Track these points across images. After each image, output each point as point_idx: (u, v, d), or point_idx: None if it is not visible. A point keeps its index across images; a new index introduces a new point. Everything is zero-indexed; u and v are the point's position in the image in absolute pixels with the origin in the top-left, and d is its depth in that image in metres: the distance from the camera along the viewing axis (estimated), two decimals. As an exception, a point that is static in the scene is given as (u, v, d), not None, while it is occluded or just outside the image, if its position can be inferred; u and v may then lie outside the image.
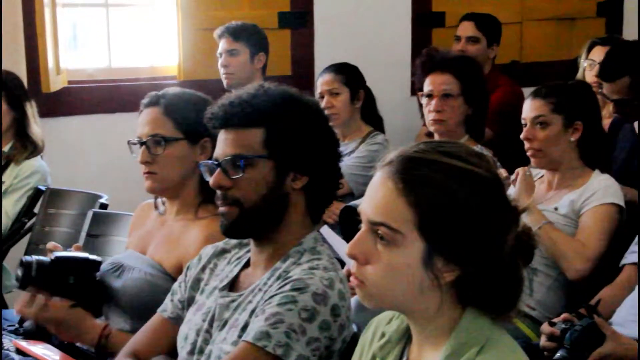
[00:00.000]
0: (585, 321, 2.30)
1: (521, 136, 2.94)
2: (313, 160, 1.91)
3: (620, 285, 2.58)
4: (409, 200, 1.36)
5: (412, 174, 1.37)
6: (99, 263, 2.40)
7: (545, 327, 2.38)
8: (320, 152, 1.93)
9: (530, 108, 2.92)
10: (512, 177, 2.92)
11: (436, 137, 3.46)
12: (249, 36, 4.14)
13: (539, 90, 2.95)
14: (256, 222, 1.90)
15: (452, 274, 1.38)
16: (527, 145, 2.94)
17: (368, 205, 1.41)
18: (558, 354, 2.28)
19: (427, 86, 3.40)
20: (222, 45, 4.16)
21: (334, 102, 3.85)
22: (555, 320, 2.38)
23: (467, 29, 4.56)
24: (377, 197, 1.39)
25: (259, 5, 4.56)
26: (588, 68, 4.20)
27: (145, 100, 2.41)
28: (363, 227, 1.42)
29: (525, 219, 2.69)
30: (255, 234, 1.93)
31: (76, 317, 2.23)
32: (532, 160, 2.99)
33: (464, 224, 1.36)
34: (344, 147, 3.81)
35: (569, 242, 2.76)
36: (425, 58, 3.54)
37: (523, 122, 2.95)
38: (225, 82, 4.13)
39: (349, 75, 3.89)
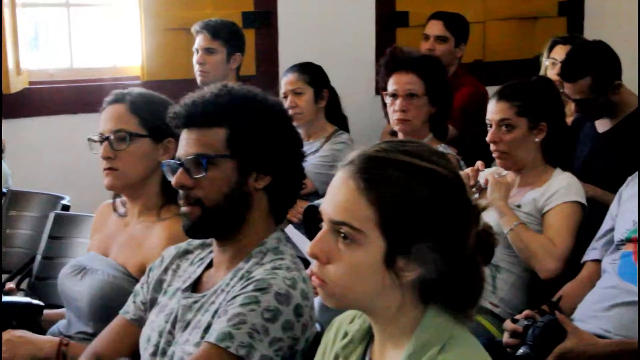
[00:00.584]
0: (547, 318, 2.32)
1: (487, 139, 2.95)
2: (276, 160, 1.91)
3: (581, 282, 2.60)
4: (370, 199, 1.36)
5: (373, 173, 1.38)
6: (41, 307, 2.39)
7: (508, 324, 2.40)
8: (283, 152, 1.93)
9: (495, 110, 2.93)
10: (482, 183, 2.93)
11: (400, 136, 3.47)
12: (228, 36, 4.10)
13: (503, 91, 2.95)
14: (218, 221, 1.89)
15: (414, 273, 1.38)
16: (493, 147, 2.95)
17: (329, 205, 1.41)
18: (520, 351, 2.30)
19: (392, 86, 3.42)
20: (200, 41, 4.11)
21: (298, 101, 3.84)
22: (517, 317, 2.39)
23: (435, 28, 4.55)
24: (339, 197, 1.40)
25: (222, 5, 4.54)
26: (550, 67, 4.24)
27: (109, 98, 2.39)
28: (324, 226, 1.42)
29: (495, 219, 2.76)
30: (218, 234, 1.93)
31: (25, 338, 2.17)
32: (498, 161, 3.00)
33: (425, 223, 1.36)
34: (308, 147, 3.82)
35: (540, 242, 2.77)
36: (389, 58, 3.55)
37: (488, 123, 2.95)
38: (199, 79, 4.09)
39: (312, 74, 3.89)
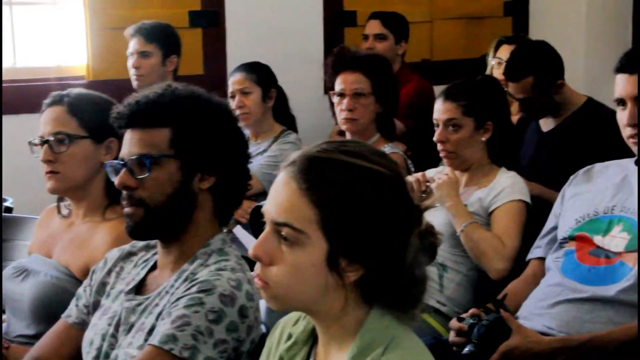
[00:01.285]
0: (492, 316, 2.33)
1: (434, 138, 2.96)
2: (220, 160, 1.90)
3: (526, 280, 2.62)
4: (312, 199, 1.36)
5: (314, 173, 1.38)
6: None
7: (454, 323, 2.41)
8: (228, 153, 1.92)
9: (441, 110, 2.94)
10: (433, 185, 2.94)
11: (348, 135, 3.48)
12: (162, 38, 4.06)
13: (449, 91, 2.96)
14: (162, 222, 1.88)
15: (357, 273, 1.38)
16: (440, 147, 2.96)
17: (272, 206, 1.40)
18: (466, 349, 2.31)
19: (339, 85, 3.42)
20: (134, 45, 4.07)
21: (246, 101, 3.83)
22: (463, 315, 2.41)
23: (373, 27, 4.61)
24: (281, 198, 1.39)
25: (169, 4, 4.51)
26: (496, 66, 4.29)
27: (47, 100, 2.36)
28: (267, 227, 1.41)
29: (445, 218, 2.77)
30: (162, 235, 1.91)
31: None
32: (445, 161, 3.02)
33: (367, 223, 1.36)
34: (257, 147, 3.81)
35: (490, 242, 2.78)
36: (336, 57, 3.56)
37: (435, 122, 2.97)
38: (135, 83, 4.05)
39: (260, 74, 3.87)
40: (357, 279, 1.39)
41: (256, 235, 2.92)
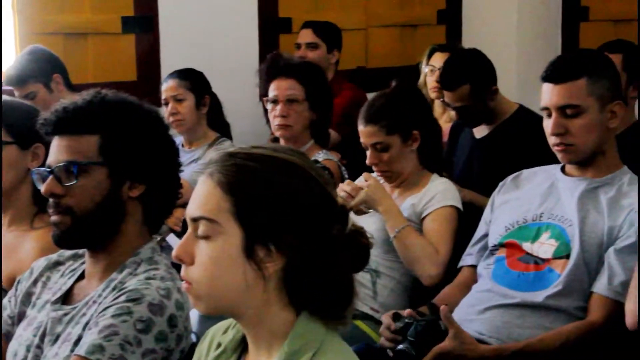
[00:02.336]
0: (429, 317, 2.35)
1: (367, 162, 2.96)
2: (150, 168, 1.87)
3: (458, 286, 2.65)
4: (225, 189, 1.38)
5: (229, 165, 1.39)
6: None
7: (386, 318, 2.43)
8: (158, 160, 1.89)
9: (365, 135, 2.92)
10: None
11: (282, 142, 3.47)
12: (41, 63, 3.88)
13: (368, 114, 2.93)
14: (90, 231, 1.84)
15: (275, 264, 1.38)
16: (374, 168, 2.96)
17: (190, 206, 1.42)
18: (401, 345, 2.32)
19: (272, 91, 3.42)
20: None
21: (179, 108, 3.80)
22: (401, 312, 2.42)
23: (305, 35, 4.64)
24: (197, 195, 1.41)
25: (100, 9, 4.43)
26: (429, 74, 4.33)
27: None
28: (189, 228, 1.42)
29: (381, 223, 2.77)
30: (89, 243, 1.88)
31: None
32: (383, 180, 3.02)
33: (279, 209, 1.37)
34: (190, 154, 3.78)
35: (425, 247, 2.79)
36: (270, 63, 3.56)
37: (363, 145, 2.97)
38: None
39: (193, 80, 3.84)
40: (280, 276, 1.39)
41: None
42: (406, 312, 2.42)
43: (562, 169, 2.56)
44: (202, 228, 1.38)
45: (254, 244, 1.37)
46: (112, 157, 1.84)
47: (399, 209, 2.86)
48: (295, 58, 3.80)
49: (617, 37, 4.13)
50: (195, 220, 1.39)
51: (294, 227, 1.37)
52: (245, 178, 1.38)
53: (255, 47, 4.81)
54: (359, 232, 1.43)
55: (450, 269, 2.76)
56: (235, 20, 4.74)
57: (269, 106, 3.45)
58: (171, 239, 3.36)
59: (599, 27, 5.35)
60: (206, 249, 1.38)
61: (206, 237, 1.38)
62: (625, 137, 3.02)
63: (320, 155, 3.42)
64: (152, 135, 1.89)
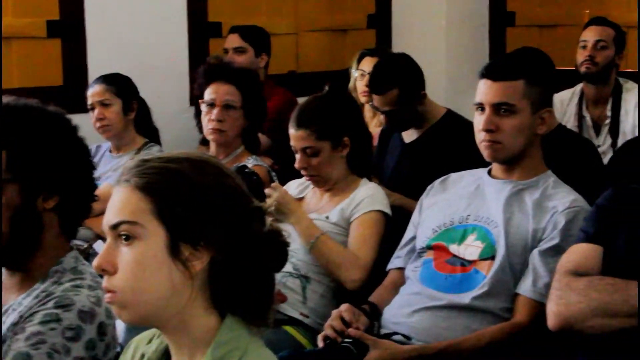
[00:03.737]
0: (349, 340, 2.37)
1: (295, 166, 2.96)
2: (62, 177, 1.80)
3: (387, 288, 2.66)
4: (144, 191, 1.36)
5: (144, 167, 1.38)
6: None
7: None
8: (70, 167, 1.82)
9: (295, 138, 2.92)
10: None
11: (213, 146, 3.45)
12: None
13: (299, 118, 2.93)
14: (7, 249, 1.77)
15: (201, 261, 1.37)
16: (303, 172, 2.97)
17: (107, 215, 1.39)
18: (347, 341, 2.34)
19: (209, 94, 3.39)
20: None
21: (106, 113, 3.74)
22: (327, 333, 2.43)
23: (232, 41, 4.61)
24: (114, 202, 1.39)
25: (25, 13, 4.33)
26: (359, 78, 4.34)
27: None
28: (108, 238, 1.39)
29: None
30: (8, 261, 1.81)
31: None
32: (312, 184, 3.03)
33: (200, 205, 1.36)
34: (118, 160, 3.73)
35: (343, 253, 2.80)
36: (210, 66, 3.54)
37: (293, 149, 2.97)
38: None
39: (120, 86, 3.79)
40: (205, 275, 1.37)
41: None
42: (349, 331, 2.41)
43: (489, 172, 2.59)
44: (123, 232, 1.36)
45: (178, 242, 1.35)
46: (22, 172, 1.75)
47: (311, 220, 2.88)
48: (235, 64, 3.77)
49: (541, 42, 4.23)
50: (115, 226, 1.36)
51: (216, 223, 1.37)
52: (163, 178, 1.37)
53: (185, 52, 4.76)
54: (278, 231, 1.43)
55: (379, 273, 2.77)
56: (164, 25, 4.69)
57: (204, 108, 3.42)
58: (98, 246, 3.31)
59: (525, 32, 5.44)
60: (129, 254, 1.35)
61: (128, 242, 1.36)
62: (549, 140, 3.07)
63: (250, 161, 3.41)
64: (60, 142, 1.81)
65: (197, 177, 1.38)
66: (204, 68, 3.54)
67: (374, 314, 2.54)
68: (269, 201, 2.81)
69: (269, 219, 1.43)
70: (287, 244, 1.44)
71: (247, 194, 1.43)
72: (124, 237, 1.36)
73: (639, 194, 2.10)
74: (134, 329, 2.08)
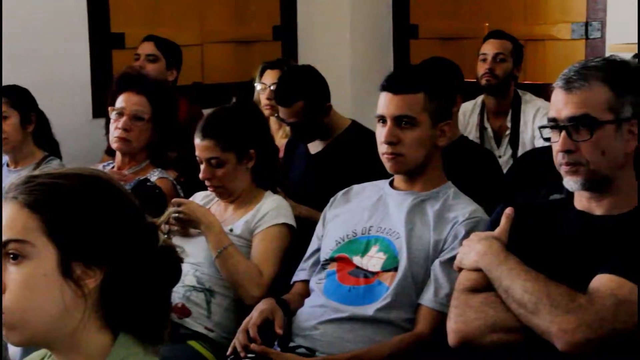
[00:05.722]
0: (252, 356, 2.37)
1: (200, 177, 2.94)
2: None
3: (292, 300, 2.65)
4: (32, 208, 1.32)
5: (31, 185, 1.34)
6: None
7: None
8: None
9: (201, 149, 2.90)
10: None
11: (118, 155, 3.39)
12: None
13: (206, 128, 2.92)
14: None
15: (94, 280, 1.33)
16: (207, 183, 2.94)
17: None
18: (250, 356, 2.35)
19: (120, 103, 3.33)
20: None
21: (3, 126, 3.64)
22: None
23: (147, 47, 4.57)
24: (2, 221, 1.33)
25: None
26: (261, 91, 4.33)
27: None
28: None
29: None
30: None
31: None
32: (216, 194, 3.01)
33: (91, 222, 1.33)
34: (16, 174, 3.63)
35: (247, 268, 2.78)
36: (125, 75, 3.48)
37: (198, 160, 2.94)
38: None
39: (17, 97, 3.69)
40: (97, 293, 1.34)
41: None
42: (252, 346, 2.41)
43: (391, 184, 2.62)
44: (11, 251, 1.31)
45: (70, 260, 1.32)
46: None
47: (222, 228, 2.86)
48: (150, 76, 3.71)
49: (443, 54, 4.29)
50: (3, 245, 1.31)
51: (108, 240, 1.34)
52: (52, 194, 1.33)
53: (87, 63, 4.67)
54: (171, 247, 1.42)
55: (285, 285, 2.76)
56: (65, 36, 4.58)
57: (112, 116, 3.36)
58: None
59: (427, 45, 5.53)
60: (18, 273, 1.31)
61: (17, 261, 1.31)
62: (450, 151, 3.12)
63: (156, 174, 3.36)
64: None
65: (88, 194, 1.35)
66: (118, 76, 3.49)
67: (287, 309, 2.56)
68: (170, 211, 2.78)
69: (162, 235, 1.41)
70: (180, 260, 1.42)
71: (140, 210, 1.40)
72: (11, 256, 1.31)
73: (527, 208, 2.15)
74: (31, 349, 2.03)
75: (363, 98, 5.08)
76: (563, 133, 1.98)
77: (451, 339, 2.00)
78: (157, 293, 1.39)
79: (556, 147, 2.02)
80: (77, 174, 1.38)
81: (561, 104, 1.99)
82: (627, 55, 4.16)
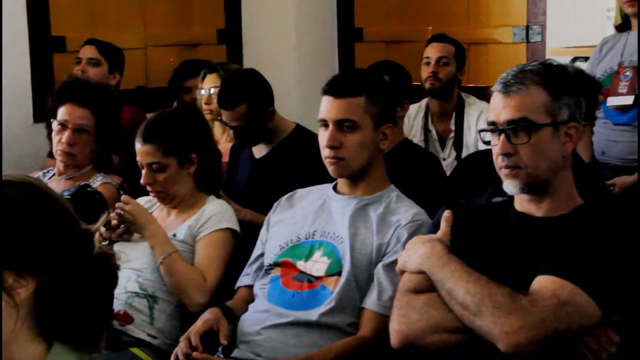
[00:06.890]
0: None
1: (141, 182, 2.91)
2: None
3: (236, 306, 2.64)
4: None
5: None
6: None
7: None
8: None
9: (142, 154, 2.88)
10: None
11: (60, 165, 3.35)
12: None
13: (146, 132, 2.89)
14: None
15: (26, 289, 1.30)
16: (149, 188, 2.92)
17: None
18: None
19: (63, 115, 3.28)
20: None
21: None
22: None
23: (88, 51, 4.50)
24: None
25: None
26: (199, 96, 4.30)
27: None
28: None
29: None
30: None
31: None
32: (157, 199, 2.98)
33: (22, 230, 1.30)
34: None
35: (191, 275, 2.76)
36: (67, 85, 3.43)
37: (139, 164, 2.91)
38: None
39: (-47, 103, 3.62)
40: (30, 303, 1.30)
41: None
42: (194, 354, 2.39)
43: (334, 188, 2.62)
44: None
45: (0, 270, 1.28)
46: None
47: (166, 235, 2.83)
48: (94, 84, 3.64)
49: (388, 57, 4.31)
50: None
51: (41, 248, 1.31)
52: None
53: (27, 67, 4.59)
54: (107, 254, 1.39)
55: (229, 290, 2.74)
56: (4, 39, 4.47)
57: (55, 127, 3.31)
58: None
59: (372, 48, 5.56)
60: None
61: None
62: (394, 154, 3.13)
63: (99, 179, 3.33)
64: None
65: (20, 201, 1.32)
66: (60, 86, 3.44)
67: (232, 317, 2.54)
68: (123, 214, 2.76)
69: (99, 242, 1.39)
70: (117, 267, 1.40)
71: (74, 217, 1.38)
72: None
73: (468, 210, 2.17)
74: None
75: (309, 101, 5.07)
76: (502, 136, 2.01)
77: (394, 340, 2.01)
78: (93, 301, 1.36)
79: (496, 151, 2.04)
80: (9, 181, 1.35)
81: (500, 108, 2.01)
82: (566, 58, 4.24)
